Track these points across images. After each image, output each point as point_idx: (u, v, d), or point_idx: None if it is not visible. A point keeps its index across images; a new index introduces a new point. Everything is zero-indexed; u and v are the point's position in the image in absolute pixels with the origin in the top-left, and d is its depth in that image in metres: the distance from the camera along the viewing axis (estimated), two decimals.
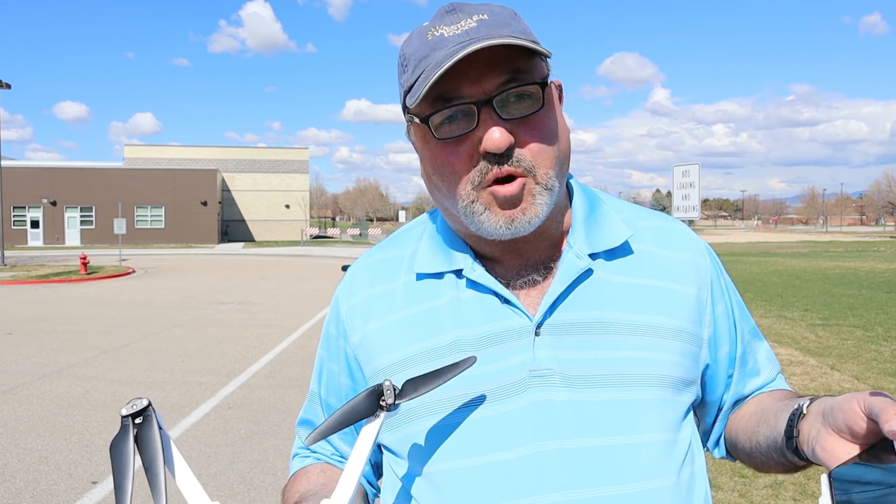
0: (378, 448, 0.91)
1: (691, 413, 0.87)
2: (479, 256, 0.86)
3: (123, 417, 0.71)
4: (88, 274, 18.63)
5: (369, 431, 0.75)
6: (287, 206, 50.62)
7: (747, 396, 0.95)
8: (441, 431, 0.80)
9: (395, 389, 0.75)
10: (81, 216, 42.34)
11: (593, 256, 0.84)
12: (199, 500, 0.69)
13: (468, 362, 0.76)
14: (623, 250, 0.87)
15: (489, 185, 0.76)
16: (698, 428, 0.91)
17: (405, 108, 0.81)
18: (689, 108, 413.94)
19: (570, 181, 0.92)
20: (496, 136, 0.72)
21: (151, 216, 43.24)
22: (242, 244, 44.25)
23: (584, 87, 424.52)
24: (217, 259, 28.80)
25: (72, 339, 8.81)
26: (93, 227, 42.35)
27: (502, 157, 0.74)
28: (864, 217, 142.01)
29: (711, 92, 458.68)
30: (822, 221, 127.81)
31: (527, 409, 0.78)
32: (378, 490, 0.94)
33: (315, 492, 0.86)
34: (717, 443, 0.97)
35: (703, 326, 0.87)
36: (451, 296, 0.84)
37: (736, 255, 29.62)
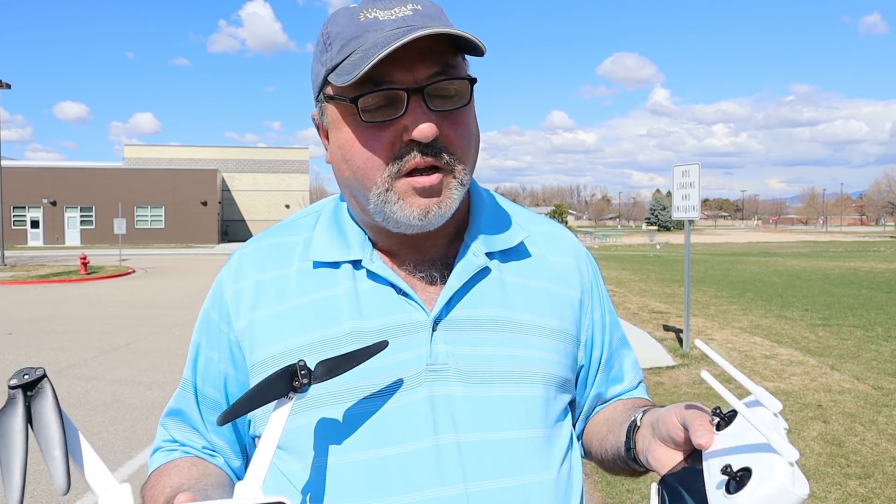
0: (253, 441, 0.88)
1: (569, 411, 0.91)
2: (377, 249, 0.86)
3: (11, 388, 0.62)
4: (88, 274, 18.62)
5: (281, 413, 0.72)
6: (287, 206, 50.58)
7: (608, 400, 1.00)
8: (335, 424, 0.78)
9: (309, 371, 0.72)
10: (81, 216, 42.31)
11: (489, 256, 0.86)
12: (108, 485, 0.62)
13: (380, 346, 0.75)
14: (517, 252, 0.90)
15: (407, 174, 0.76)
16: None
17: (321, 89, 0.80)
18: (689, 108, 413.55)
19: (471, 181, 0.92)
20: (425, 126, 0.73)
21: (151, 216, 43.22)
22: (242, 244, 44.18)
23: (584, 87, 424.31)
24: (217, 259, 28.79)
25: (72, 339, 8.81)
26: (93, 227, 42.32)
27: (428, 147, 0.74)
28: (864, 217, 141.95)
29: (711, 92, 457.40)
30: (822, 221, 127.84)
31: (423, 402, 0.78)
32: None
33: (190, 485, 0.82)
34: (577, 441, 1.01)
35: (582, 329, 0.92)
36: (348, 286, 0.83)
37: (736, 255, 29.61)
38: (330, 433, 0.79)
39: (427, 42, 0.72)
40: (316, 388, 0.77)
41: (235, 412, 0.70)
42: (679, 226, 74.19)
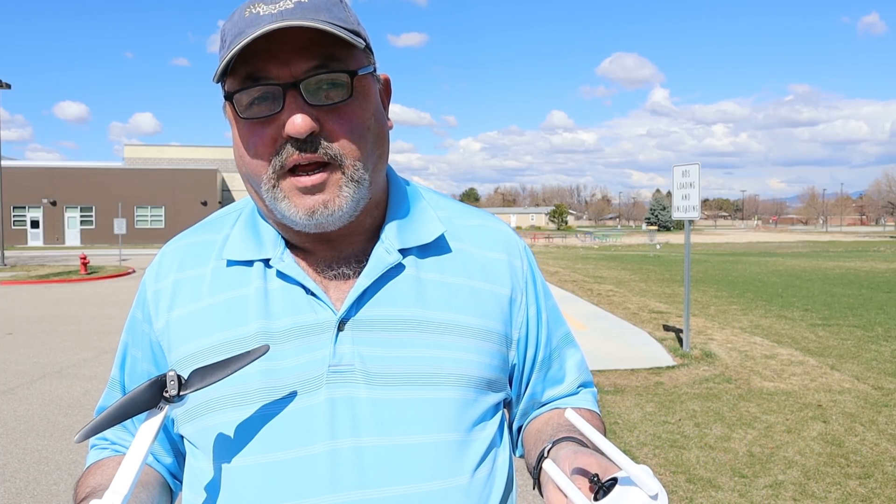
0: (181, 439, 0.88)
1: (500, 412, 0.87)
2: (292, 246, 0.84)
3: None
4: (88, 274, 18.60)
5: (150, 425, 0.71)
6: None
7: (545, 403, 0.96)
8: (236, 426, 0.77)
9: (179, 380, 0.72)
10: (81, 216, 42.31)
11: (405, 252, 0.83)
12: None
13: (260, 351, 0.74)
14: (436, 247, 0.86)
15: (292, 172, 0.74)
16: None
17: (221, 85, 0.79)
18: (688, 108, 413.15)
19: (391, 175, 0.90)
20: (298, 122, 0.71)
21: (151, 216, 43.23)
22: None
23: (584, 87, 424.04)
24: None
25: (72, 339, 8.80)
26: (93, 227, 42.33)
27: (306, 143, 0.73)
28: (864, 217, 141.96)
29: (711, 92, 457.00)
30: (822, 221, 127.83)
31: (323, 405, 0.76)
32: (182, 484, 0.91)
33: (107, 486, 0.81)
34: (514, 442, 0.98)
35: (513, 328, 0.88)
36: (258, 285, 0.82)
37: (736, 255, 29.60)
38: (232, 435, 0.78)
39: (308, 35, 0.71)
40: (221, 390, 0.77)
41: (99, 426, 0.70)
42: (679, 226, 74.23)
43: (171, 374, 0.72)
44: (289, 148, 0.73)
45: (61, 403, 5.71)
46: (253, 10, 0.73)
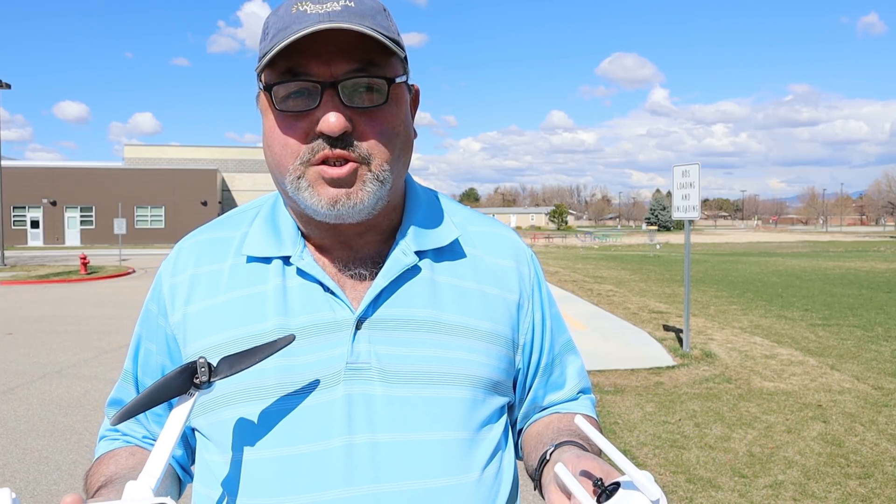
0: (192, 432, 0.89)
1: (504, 416, 0.89)
2: (311, 243, 0.86)
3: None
4: (88, 274, 18.60)
5: (181, 411, 0.73)
6: None
7: (545, 407, 0.98)
8: (253, 419, 0.79)
9: (209, 367, 0.74)
10: (81, 216, 42.31)
11: (421, 255, 0.86)
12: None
13: (286, 340, 0.76)
14: (451, 252, 0.89)
15: (318, 164, 0.76)
16: None
17: (259, 76, 0.80)
18: (688, 108, 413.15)
19: (409, 180, 0.92)
20: (332, 120, 0.73)
21: (151, 216, 43.21)
22: None
23: (583, 87, 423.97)
24: None
25: (72, 339, 8.80)
26: (93, 227, 42.32)
27: (337, 140, 0.75)
28: (864, 217, 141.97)
29: (710, 92, 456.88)
30: (822, 221, 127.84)
31: (340, 401, 0.78)
32: (192, 476, 0.92)
33: (123, 475, 0.84)
34: (512, 444, 1.00)
35: (520, 333, 0.91)
36: (277, 282, 0.83)
37: (736, 255, 29.60)
38: (248, 428, 0.79)
39: (351, 38, 0.73)
40: (239, 384, 0.78)
41: (132, 411, 0.72)
42: (679, 226, 74.27)
43: (202, 360, 0.74)
44: (320, 142, 0.75)
45: (61, 403, 5.71)
46: (301, 8, 0.75)
